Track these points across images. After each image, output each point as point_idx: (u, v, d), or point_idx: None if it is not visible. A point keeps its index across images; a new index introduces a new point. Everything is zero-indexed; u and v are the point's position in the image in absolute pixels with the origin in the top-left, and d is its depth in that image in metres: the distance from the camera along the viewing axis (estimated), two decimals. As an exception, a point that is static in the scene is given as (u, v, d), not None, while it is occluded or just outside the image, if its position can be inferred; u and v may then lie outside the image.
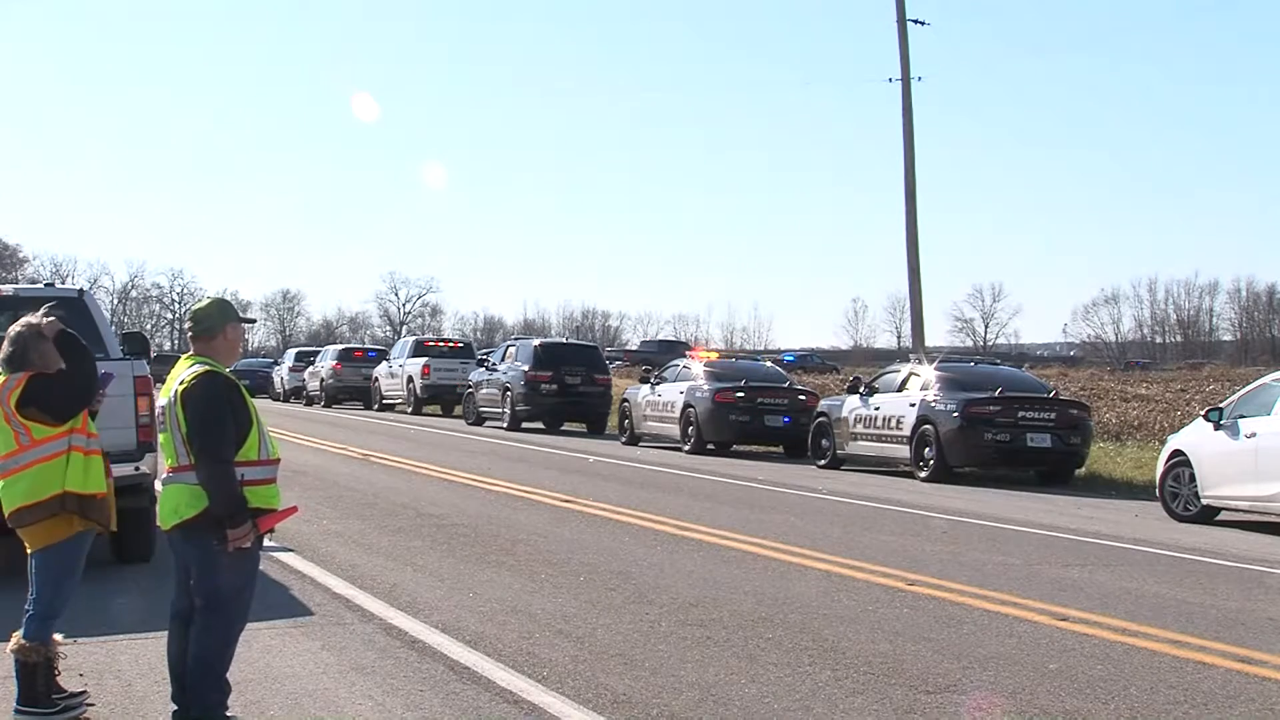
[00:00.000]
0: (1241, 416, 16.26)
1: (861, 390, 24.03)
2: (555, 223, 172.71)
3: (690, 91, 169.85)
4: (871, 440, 23.07)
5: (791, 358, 68.63)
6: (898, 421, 22.37)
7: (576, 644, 8.88)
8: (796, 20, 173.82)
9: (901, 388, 23.05)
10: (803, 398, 27.00)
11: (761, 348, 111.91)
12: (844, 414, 23.75)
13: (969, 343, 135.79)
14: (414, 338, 45.70)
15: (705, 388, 27.00)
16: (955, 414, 21.35)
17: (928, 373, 22.87)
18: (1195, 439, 16.96)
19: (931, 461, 21.57)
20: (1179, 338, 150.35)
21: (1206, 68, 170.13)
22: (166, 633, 6.74)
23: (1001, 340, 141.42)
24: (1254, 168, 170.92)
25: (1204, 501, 16.44)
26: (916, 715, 7.31)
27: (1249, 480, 15.63)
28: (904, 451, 22.14)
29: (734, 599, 10.63)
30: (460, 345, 44.44)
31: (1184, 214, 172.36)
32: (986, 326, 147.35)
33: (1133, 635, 9.33)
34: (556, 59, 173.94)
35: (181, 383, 6.46)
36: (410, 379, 41.12)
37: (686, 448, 26.85)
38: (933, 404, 21.82)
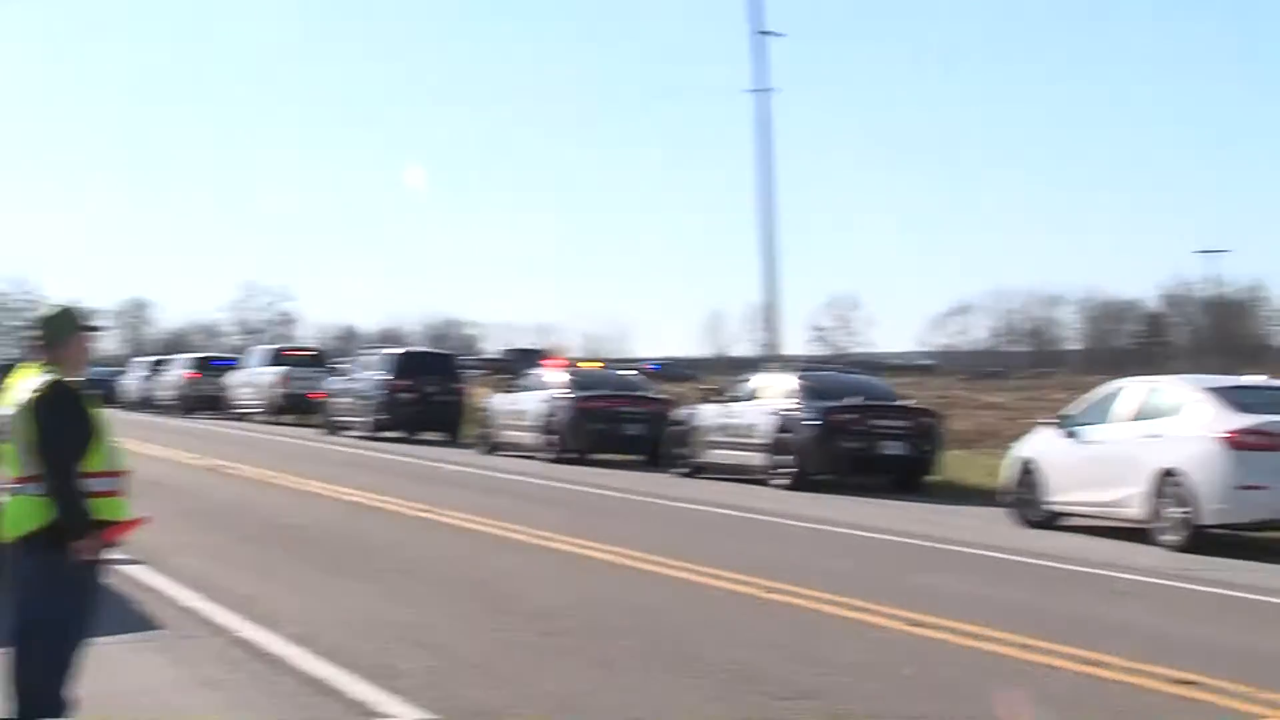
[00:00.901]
0: (1086, 424, 16.66)
1: (720, 399, 24.19)
2: (415, 231, 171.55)
3: (550, 100, 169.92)
4: (730, 449, 23.23)
5: (657, 366, 68.91)
6: (755, 430, 22.55)
7: (433, 654, 8.82)
8: (656, 31, 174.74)
9: (759, 396, 23.25)
10: (662, 406, 27.12)
11: (623, 356, 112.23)
12: (702, 422, 23.89)
13: (826, 351, 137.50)
14: (270, 346, 45.05)
15: (565, 396, 27.00)
16: (812, 422, 21.59)
17: (785, 381, 23.10)
18: (1042, 446, 17.35)
19: (789, 469, 21.78)
20: (1028, 347, 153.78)
21: (1056, 78, 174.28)
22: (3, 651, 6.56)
23: (858, 349, 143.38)
24: (1098, 182, 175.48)
25: (1050, 507, 16.82)
26: (772, 721, 7.38)
27: (1093, 486, 16.01)
28: (761, 460, 22.32)
29: (592, 608, 10.64)
30: (316, 354, 43.89)
31: (1033, 225, 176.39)
32: (843, 335, 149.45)
33: (983, 640, 9.50)
34: (411, 60, 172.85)
35: (29, 392, 6.30)
36: (267, 388, 40.56)
37: (546, 456, 26.82)
38: (790, 412, 22.04)
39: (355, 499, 18.42)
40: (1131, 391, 16.48)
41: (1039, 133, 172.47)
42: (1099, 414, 16.62)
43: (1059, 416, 17.59)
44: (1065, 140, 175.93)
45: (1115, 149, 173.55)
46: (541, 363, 31.55)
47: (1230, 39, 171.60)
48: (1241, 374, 17.68)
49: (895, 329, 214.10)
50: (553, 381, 28.01)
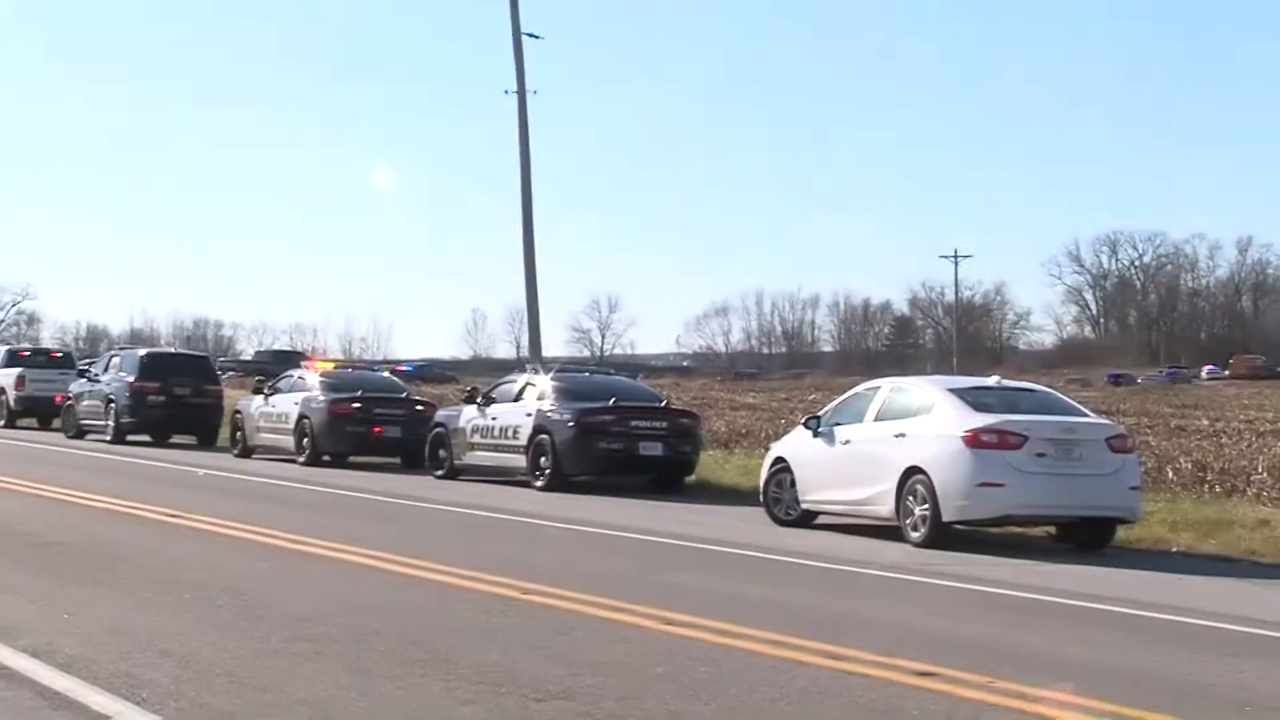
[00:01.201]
0: (837, 424, 17.10)
1: (479, 400, 24.12)
2: (165, 230, 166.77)
3: (301, 102, 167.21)
4: (489, 450, 23.18)
5: (411, 368, 68.30)
6: (514, 431, 22.55)
7: (180, 663, 8.58)
8: (415, 31, 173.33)
9: (518, 398, 23.26)
10: (420, 407, 26.91)
11: (381, 358, 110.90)
12: (461, 424, 23.78)
13: (586, 353, 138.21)
14: (7, 347, 43.27)
15: (320, 398, 26.58)
16: (570, 424, 21.68)
17: (544, 383, 23.16)
18: (795, 446, 17.74)
19: (548, 471, 21.83)
20: (784, 349, 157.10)
21: (803, 86, 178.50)
22: None
23: (618, 351, 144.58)
24: (846, 185, 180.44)
25: (804, 506, 17.21)
26: (528, 723, 7.37)
27: (844, 485, 16.45)
28: (521, 461, 22.33)
29: (347, 612, 10.49)
30: (59, 355, 42.28)
31: (787, 229, 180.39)
32: (603, 337, 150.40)
33: (734, 637, 9.64)
34: (171, 70, 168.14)
35: None
36: (2, 390, 38.91)
37: (301, 459, 26.36)
38: (549, 414, 22.09)
39: (98, 504, 17.81)
40: (880, 392, 16.97)
41: (788, 136, 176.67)
42: (850, 414, 17.07)
43: (813, 417, 18.00)
44: (815, 147, 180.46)
45: (864, 157, 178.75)
46: (304, 364, 30.93)
47: (961, 52, 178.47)
48: (986, 376, 18.33)
49: (655, 331, 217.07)
50: (308, 383, 27.55)
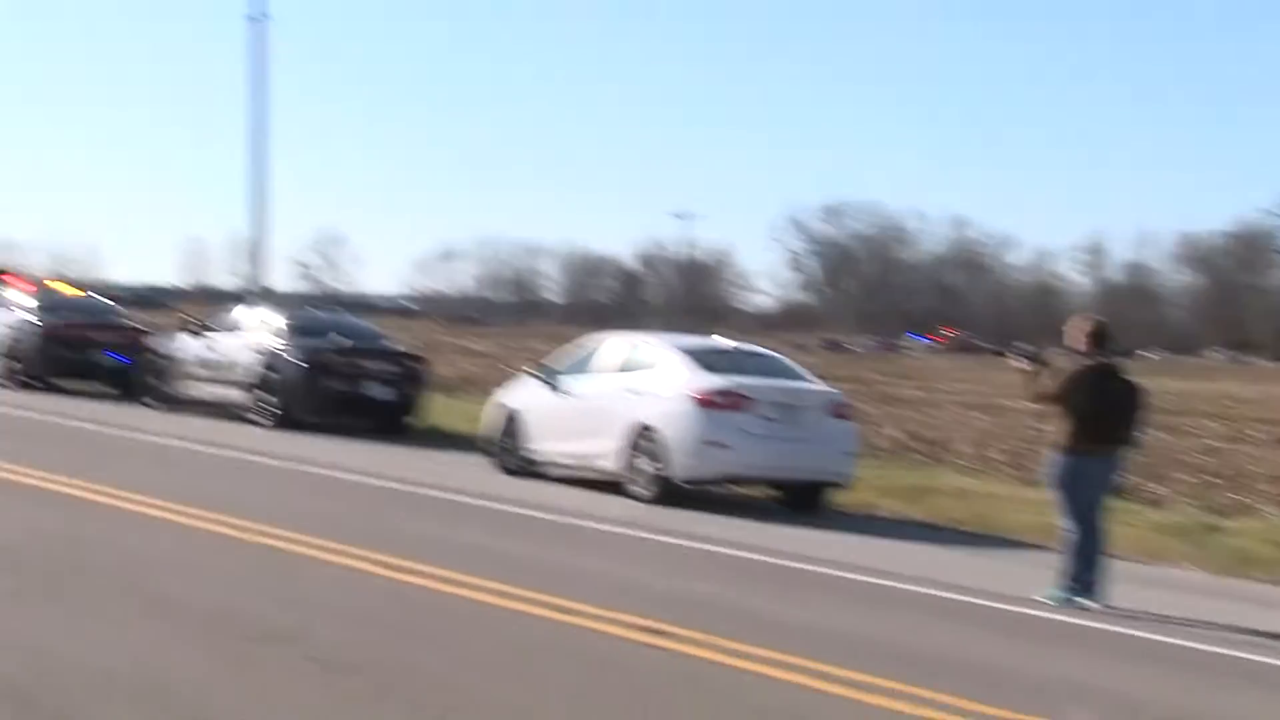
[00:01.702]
0: (568, 376, 17.17)
1: (201, 331, 23.45)
2: None
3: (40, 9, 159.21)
4: (212, 384, 22.58)
5: (128, 294, 65.98)
6: (240, 366, 22.01)
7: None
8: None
9: (245, 332, 22.68)
10: (137, 334, 25.99)
11: (95, 281, 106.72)
12: (183, 354, 23.08)
13: (311, 289, 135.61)
14: None
15: (30, 320, 25.45)
16: (299, 362, 21.27)
17: (273, 318, 22.64)
18: (525, 395, 17.76)
19: (273, 408, 21.39)
20: (512, 297, 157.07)
21: (541, 37, 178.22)
22: None
23: (344, 289, 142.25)
24: (581, 139, 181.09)
25: (530, 456, 17.26)
26: (251, 666, 7.23)
27: (572, 437, 16.55)
28: (245, 397, 21.82)
29: (57, 547, 10.12)
30: None
31: (520, 178, 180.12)
32: (329, 274, 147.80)
33: (461, 586, 9.63)
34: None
35: None
36: None
37: (9, 383, 25.22)
38: (277, 351, 21.63)
39: None
40: (612, 346, 17.10)
41: (527, 84, 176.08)
42: (581, 366, 17.17)
43: (541, 367, 18.04)
44: (554, 99, 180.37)
45: (602, 112, 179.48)
46: (3, 279, 29.42)
47: (703, 8, 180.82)
48: (711, 335, 18.64)
49: (381, 271, 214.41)
50: (17, 302, 26.33)
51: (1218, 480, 21.06)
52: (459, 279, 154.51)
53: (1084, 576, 10.63)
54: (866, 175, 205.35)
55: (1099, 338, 10.97)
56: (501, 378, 36.60)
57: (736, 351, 16.92)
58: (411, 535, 12.00)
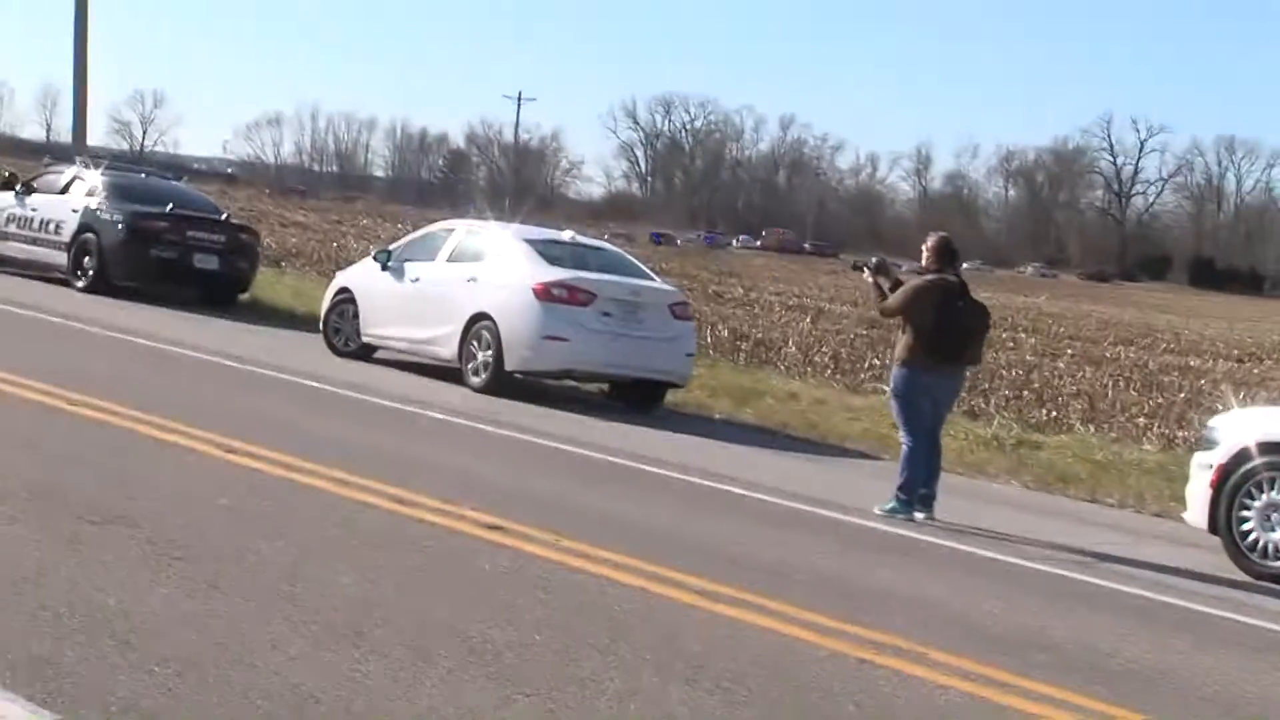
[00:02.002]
0: (408, 260, 16.89)
1: (18, 188, 22.53)
2: None
3: None
4: (26, 243, 21.78)
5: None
6: (57, 226, 21.24)
7: None
8: None
9: (64, 190, 21.85)
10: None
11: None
12: (-1, 212, 22.20)
13: (126, 147, 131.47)
14: None
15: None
16: (121, 226, 20.59)
17: (94, 178, 21.83)
18: (362, 277, 17.44)
19: (92, 273, 20.70)
20: (336, 168, 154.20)
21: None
22: None
23: (160, 149, 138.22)
24: (414, 12, 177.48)
25: (364, 339, 16.99)
26: (83, 546, 6.98)
27: (410, 323, 16.32)
28: (62, 259, 21.09)
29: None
30: None
31: (350, 47, 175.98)
32: (145, 133, 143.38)
33: (298, 471, 9.44)
34: None
35: None
36: None
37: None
38: (98, 212, 20.89)
39: None
40: (455, 234, 16.84)
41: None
42: (422, 252, 16.89)
43: (382, 250, 17.72)
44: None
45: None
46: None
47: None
48: (562, 230, 18.41)
49: (202, 133, 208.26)
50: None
51: (1032, 395, 21.64)
52: (283, 147, 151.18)
53: (920, 490, 10.83)
54: (701, 69, 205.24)
55: (944, 254, 11.08)
56: (326, 253, 36.08)
57: (579, 246, 16.80)
58: (247, 414, 11.73)
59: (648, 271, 16.72)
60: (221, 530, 7.71)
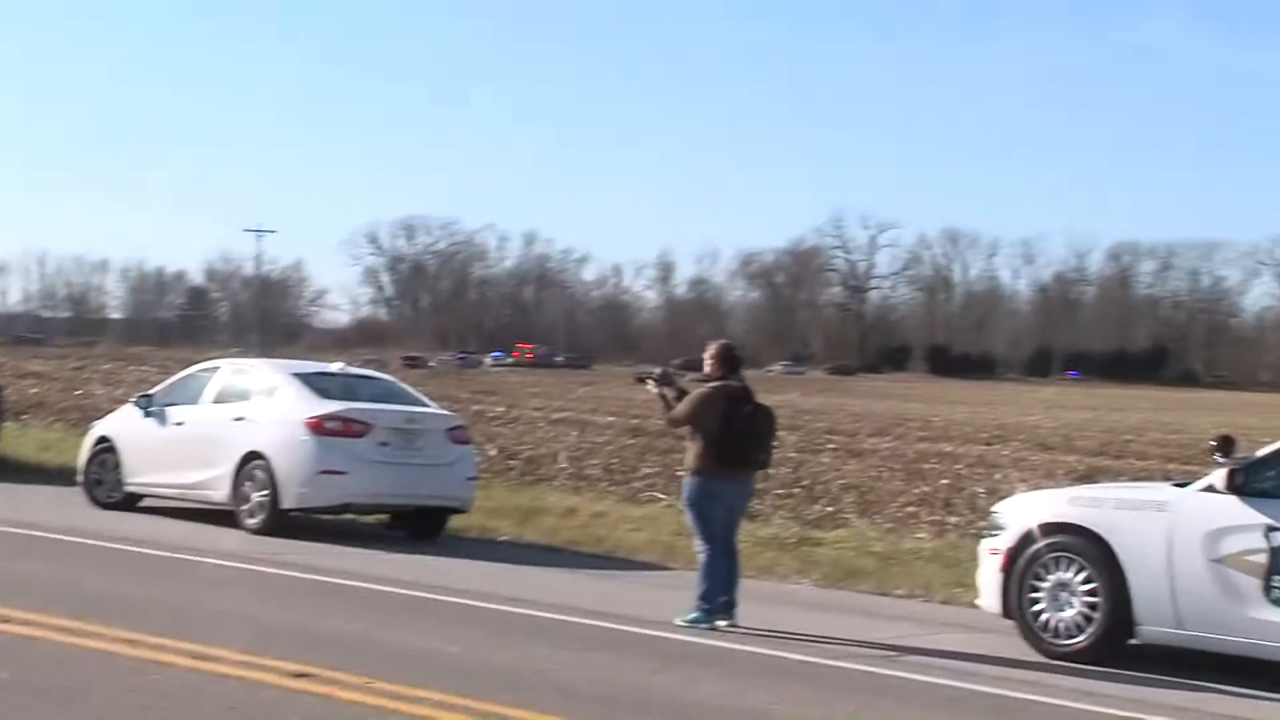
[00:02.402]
0: (171, 404, 16.37)
1: None
2: None
3: None
4: None
5: None
6: None
7: None
8: None
9: None
10: None
11: None
12: None
13: None
14: None
15: None
16: None
17: None
18: (123, 425, 16.83)
19: None
20: (69, 313, 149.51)
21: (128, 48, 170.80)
22: None
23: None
24: (146, 150, 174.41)
25: (128, 489, 16.36)
26: None
27: (178, 468, 15.77)
28: None
29: None
30: None
31: (72, 189, 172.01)
32: None
33: (84, 635, 8.98)
34: None
35: None
36: None
37: None
38: None
39: None
40: (219, 373, 16.42)
41: (91, 93, 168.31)
42: (185, 394, 16.39)
43: (142, 395, 17.14)
44: (121, 109, 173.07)
45: (168, 124, 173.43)
46: None
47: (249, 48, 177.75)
48: (333, 361, 18.07)
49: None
50: None
51: (804, 492, 21.99)
52: (10, 294, 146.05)
53: (720, 598, 10.83)
54: (441, 192, 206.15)
55: (727, 360, 11.19)
56: (70, 401, 34.74)
57: (350, 376, 16.54)
58: (18, 580, 11.10)
59: (422, 398, 16.52)
60: (7, 709, 7.24)
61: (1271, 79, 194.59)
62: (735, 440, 10.80)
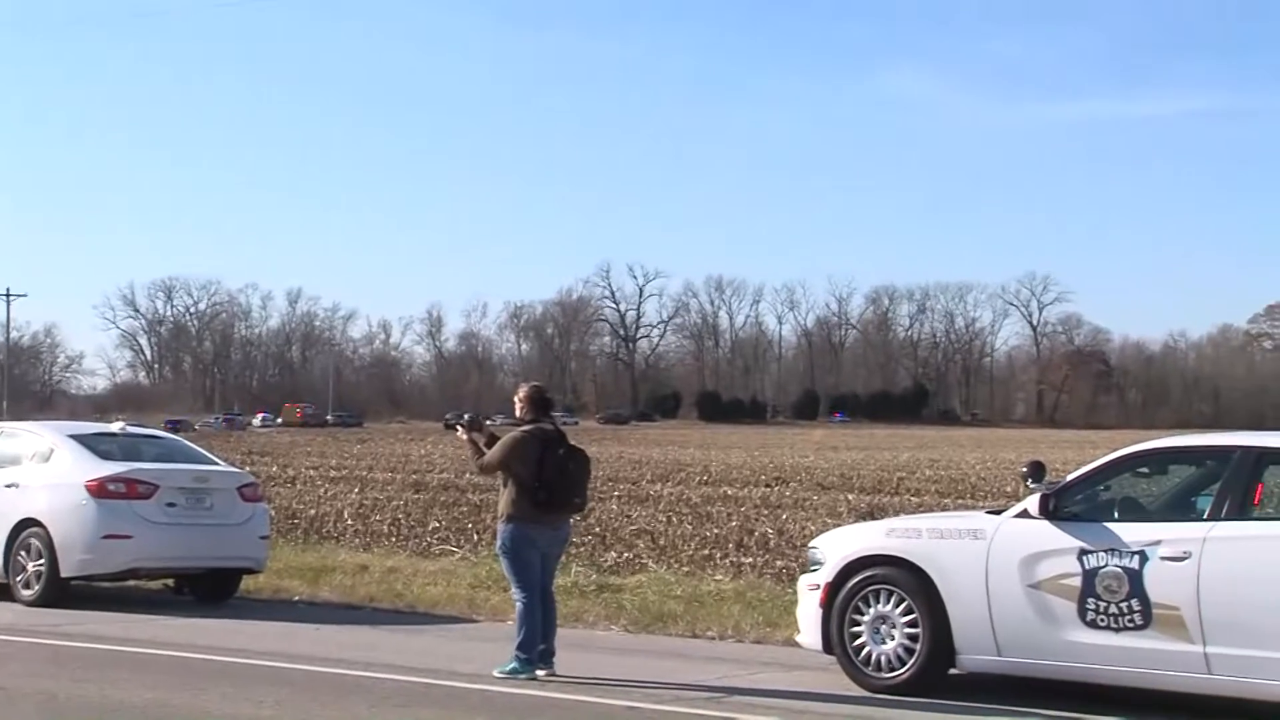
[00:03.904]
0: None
1: None
2: None
3: None
4: None
5: None
6: None
7: None
8: None
9: None
10: None
11: None
12: None
13: None
14: None
15: None
16: None
17: None
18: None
19: None
20: None
21: None
22: None
23: None
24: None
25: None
26: None
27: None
28: None
29: None
30: None
31: None
32: None
33: None
34: None
35: None
36: None
37: None
38: None
39: None
40: (-13, 439, 15.52)
41: None
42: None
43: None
44: None
45: None
46: None
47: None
48: (114, 420, 17.22)
49: None
50: None
51: (596, 539, 21.83)
52: None
53: (538, 646, 10.55)
54: (201, 251, 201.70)
55: (538, 403, 10.95)
56: None
57: (132, 436, 15.79)
58: None
59: (210, 456, 15.86)
60: None
61: (1013, 131, 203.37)
62: (550, 484, 10.54)
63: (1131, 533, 9.35)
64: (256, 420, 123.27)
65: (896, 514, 24.99)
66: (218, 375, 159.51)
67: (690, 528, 24.77)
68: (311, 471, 43.72)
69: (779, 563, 19.23)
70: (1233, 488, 9.24)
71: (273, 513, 25.26)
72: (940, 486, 40.33)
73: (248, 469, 42.26)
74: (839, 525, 14.99)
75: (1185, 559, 9.05)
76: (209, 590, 15.05)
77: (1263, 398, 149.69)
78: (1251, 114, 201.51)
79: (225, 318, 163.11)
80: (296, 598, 15.58)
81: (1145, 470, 10.46)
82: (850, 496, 35.09)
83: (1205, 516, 9.27)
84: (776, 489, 38.63)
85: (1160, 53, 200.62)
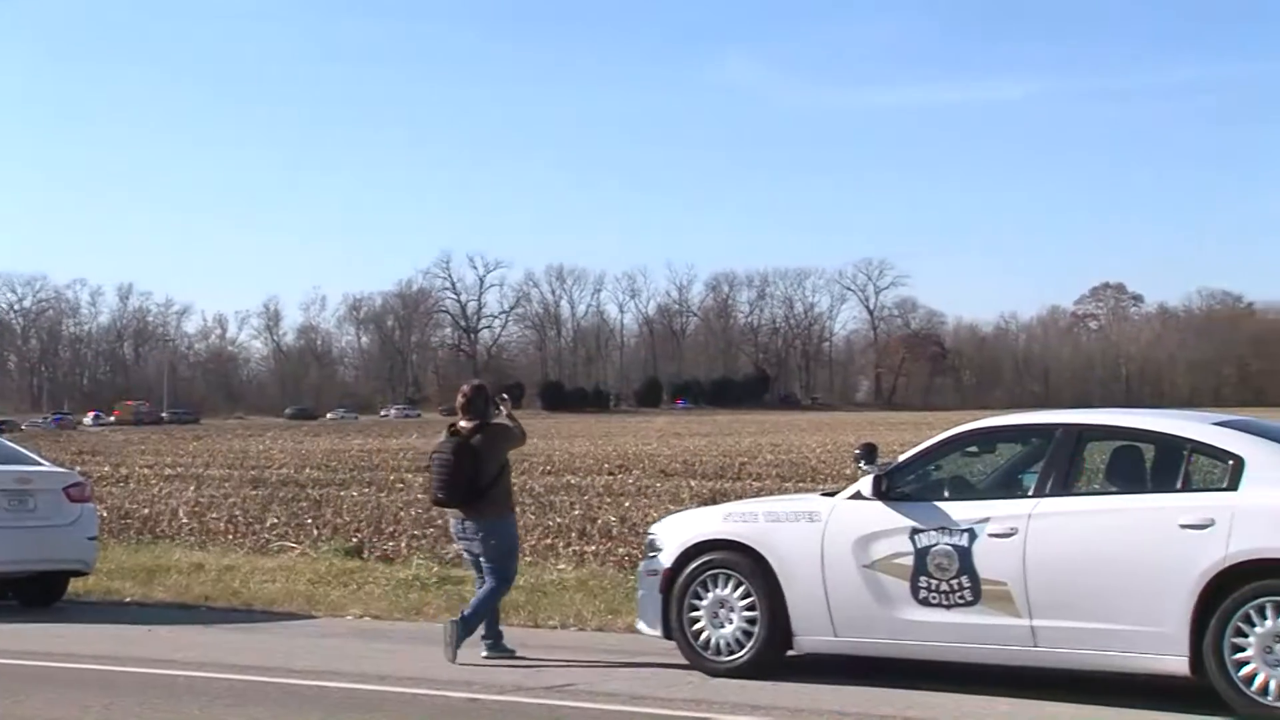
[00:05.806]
0: None
1: None
2: None
3: None
4: None
5: None
6: None
7: None
8: None
9: None
10: None
11: None
12: None
13: None
14: None
15: None
16: None
17: None
18: None
19: None
20: None
21: None
22: None
23: None
24: None
25: None
26: None
27: None
28: None
29: None
30: None
31: None
32: None
33: None
34: None
35: None
36: None
37: None
38: None
39: None
40: None
41: None
42: None
43: None
44: None
45: None
46: None
47: None
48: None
49: None
50: None
51: (438, 531, 21.70)
52: None
53: (496, 628, 11.32)
54: (24, 247, 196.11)
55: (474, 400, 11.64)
56: None
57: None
58: None
59: (33, 455, 15.40)
60: None
61: (847, 116, 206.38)
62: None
63: (961, 511, 9.53)
64: (88, 419, 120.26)
65: (738, 499, 25.23)
66: (45, 373, 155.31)
67: (533, 517, 24.75)
68: (145, 470, 42.85)
69: (621, 550, 19.30)
70: (1056, 464, 9.46)
71: (104, 513, 24.77)
72: (781, 470, 40.82)
73: (78, 469, 41.23)
74: (680, 511, 15.07)
75: (1011, 535, 9.25)
76: (35, 594, 14.63)
77: (1089, 376, 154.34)
78: (1079, 96, 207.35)
79: (52, 314, 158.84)
80: (128, 599, 15.24)
81: (974, 450, 10.64)
82: (693, 483, 35.37)
83: (1030, 493, 9.48)
84: (619, 477, 38.79)
85: (991, 37, 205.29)
